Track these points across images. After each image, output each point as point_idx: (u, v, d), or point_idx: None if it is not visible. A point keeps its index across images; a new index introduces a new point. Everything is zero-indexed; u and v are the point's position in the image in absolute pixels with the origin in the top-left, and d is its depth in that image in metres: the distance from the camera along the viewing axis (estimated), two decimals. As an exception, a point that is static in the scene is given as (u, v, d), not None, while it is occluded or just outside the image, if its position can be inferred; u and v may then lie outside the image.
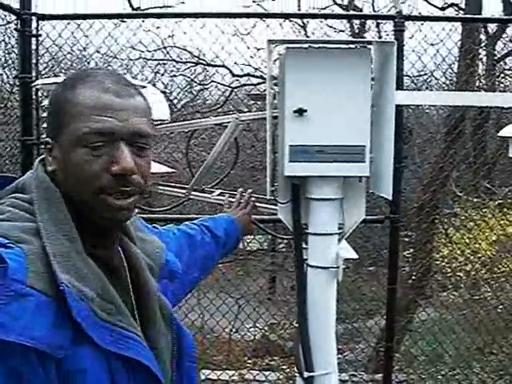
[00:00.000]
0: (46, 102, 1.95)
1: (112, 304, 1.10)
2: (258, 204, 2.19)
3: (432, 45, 4.14)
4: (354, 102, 1.87)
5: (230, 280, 6.37)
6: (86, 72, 1.17)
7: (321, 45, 1.89)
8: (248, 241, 7.53)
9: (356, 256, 1.97)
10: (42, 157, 1.21)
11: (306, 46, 1.89)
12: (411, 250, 6.17)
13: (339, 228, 1.99)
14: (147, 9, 7.58)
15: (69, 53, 4.81)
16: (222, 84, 7.49)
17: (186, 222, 1.89)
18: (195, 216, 2.28)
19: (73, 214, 1.12)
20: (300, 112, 1.85)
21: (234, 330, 6.41)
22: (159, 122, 2.23)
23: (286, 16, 4.20)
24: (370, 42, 1.95)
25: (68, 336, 1.02)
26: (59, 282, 1.01)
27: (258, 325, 6.47)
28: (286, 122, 1.87)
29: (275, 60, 2.07)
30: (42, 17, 3.27)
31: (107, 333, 1.06)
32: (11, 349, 0.95)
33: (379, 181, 1.96)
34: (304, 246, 2.03)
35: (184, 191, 2.26)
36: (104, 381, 1.06)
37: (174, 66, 7.63)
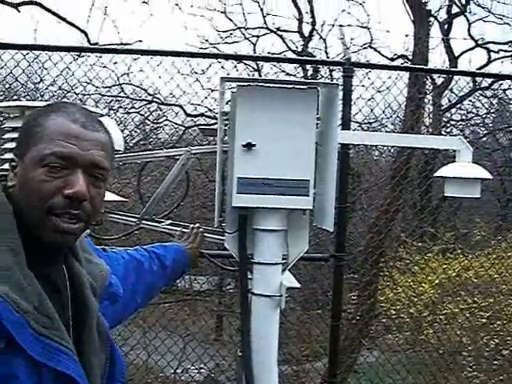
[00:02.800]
0: (7, 124, 2.00)
1: (48, 318, 1.15)
2: (206, 235, 2.26)
3: (379, 91, 4.34)
4: (300, 138, 1.97)
5: (177, 319, 6.34)
6: (61, 103, 1.29)
7: (270, 84, 2.00)
8: (196, 281, 7.54)
9: (298, 285, 2.05)
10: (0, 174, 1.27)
11: (256, 84, 1.99)
12: (356, 292, 6.27)
13: (283, 259, 2.07)
14: (104, 45, 7.66)
15: (23, 85, 4.82)
16: (175, 123, 7.56)
17: (137, 247, 1.94)
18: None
19: (23, 230, 1.17)
20: (249, 146, 1.95)
21: (179, 369, 6.35)
22: (112, 153, 2.29)
23: (241, 57, 4.35)
24: (316, 83, 2.07)
25: (1, 343, 1.07)
26: None
27: (203, 365, 6.42)
28: (236, 155, 1.96)
29: (227, 102, 2.17)
30: (1, 46, 3.31)
31: (40, 345, 1.11)
32: None
33: (322, 214, 2.06)
34: (249, 276, 2.10)
35: (135, 220, 2.32)
36: None
37: (129, 104, 7.68)
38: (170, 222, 2.40)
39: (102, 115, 2.11)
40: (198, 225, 2.27)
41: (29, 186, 1.19)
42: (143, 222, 2.34)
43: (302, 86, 2.01)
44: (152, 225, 2.35)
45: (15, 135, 1.88)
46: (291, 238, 2.07)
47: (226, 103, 2.19)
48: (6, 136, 1.96)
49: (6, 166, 2.03)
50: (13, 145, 1.74)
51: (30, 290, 1.13)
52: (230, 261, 2.69)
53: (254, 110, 1.96)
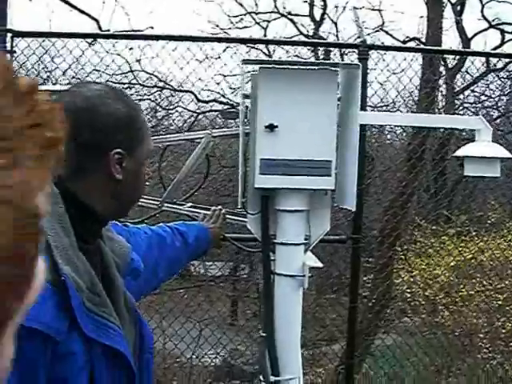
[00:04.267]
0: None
1: (98, 296, 1.20)
2: (228, 216, 2.27)
3: (394, 73, 4.33)
4: (322, 119, 1.99)
5: (193, 305, 6.39)
6: (126, 92, 1.42)
7: (292, 66, 2.01)
8: (211, 267, 7.59)
9: (321, 265, 2.07)
10: None
11: (278, 66, 2.00)
12: (372, 275, 6.30)
13: (305, 239, 2.09)
14: (116, 32, 7.65)
15: (38, 73, 4.85)
16: (187, 109, 7.57)
17: (161, 224, 1.97)
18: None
19: (71, 211, 1.21)
20: (271, 128, 1.96)
21: (194, 354, 6.40)
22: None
23: (255, 41, 4.35)
24: (337, 65, 2.07)
25: (66, 322, 1.12)
26: (61, 273, 1.11)
27: (219, 350, 6.47)
28: (258, 136, 1.98)
29: (247, 81, 2.18)
30: (17, 33, 3.33)
31: (91, 322, 1.16)
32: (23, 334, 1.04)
33: (343, 194, 2.08)
34: (271, 257, 2.12)
35: (157, 203, 2.34)
36: (86, 365, 1.15)
37: (139, 91, 7.69)
38: (191, 204, 2.42)
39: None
40: (220, 207, 2.29)
41: (142, 178, 1.35)
42: (165, 204, 2.36)
43: (322, 67, 2.01)
44: (174, 207, 2.37)
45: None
46: (313, 219, 2.09)
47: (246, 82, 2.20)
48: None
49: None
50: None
51: (83, 269, 1.18)
52: (249, 244, 2.71)
53: (275, 91, 1.97)
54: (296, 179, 1.98)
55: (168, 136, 2.41)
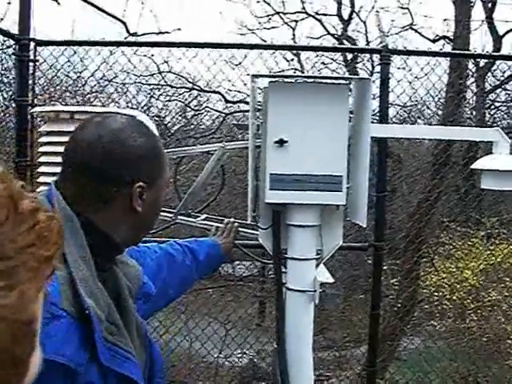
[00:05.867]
0: (43, 128, 2.03)
1: (115, 326, 1.22)
2: (241, 229, 2.27)
3: (416, 78, 4.27)
4: (333, 134, 1.97)
5: (219, 305, 6.41)
6: (147, 124, 1.40)
7: (301, 80, 2.00)
8: (238, 267, 7.60)
9: (332, 280, 2.05)
10: (54, 179, 1.30)
11: (288, 80, 1.99)
12: (398, 278, 6.24)
13: (317, 253, 2.07)
14: (143, 34, 7.71)
15: (66, 75, 4.90)
16: (215, 110, 7.59)
17: (171, 241, 1.98)
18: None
19: (91, 241, 1.22)
20: (281, 142, 1.95)
21: (221, 355, 6.41)
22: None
23: (277, 48, 4.32)
24: (348, 78, 2.05)
25: (87, 354, 1.13)
26: (86, 306, 1.12)
27: (245, 350, 6.48)
28: (268, 151, 1.97)
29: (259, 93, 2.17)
30: (40, 42, 3.36)
31: (108, 352, 1.17)
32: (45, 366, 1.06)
33: (355, 209, 2.06)
34: (283, 270, 2.11)
35: (171, 215, 2.35)
36: None
37: (169, 91, 7.74)
38: (205, 216, 2.42)
39: (132, 116, 2.14)
40: (232, 219, 2.28)
41: (160, 205, 1.37)
42: (179, 217, 2.36)
43: (333, 81, 2.00)
44: (187, 220, 2.38)
45: (51, 139, 1.93)
46: (325, 233, 2.07)
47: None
48: (44, 139, 1.99)
49: (43, 168, 2.09)
50: (48, 148, 1.78)
51: (102, 299, 1.19)
52: (264, 252, 2.71)
53: (285, 105, 1.96)
54: (307, 194, 1.97)
55: (182, 149, 2.42)
